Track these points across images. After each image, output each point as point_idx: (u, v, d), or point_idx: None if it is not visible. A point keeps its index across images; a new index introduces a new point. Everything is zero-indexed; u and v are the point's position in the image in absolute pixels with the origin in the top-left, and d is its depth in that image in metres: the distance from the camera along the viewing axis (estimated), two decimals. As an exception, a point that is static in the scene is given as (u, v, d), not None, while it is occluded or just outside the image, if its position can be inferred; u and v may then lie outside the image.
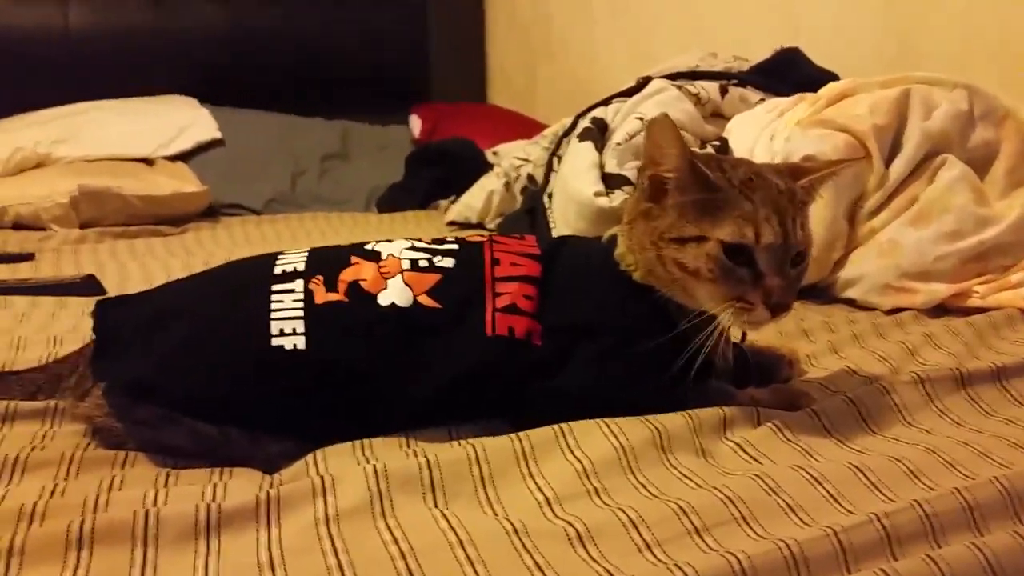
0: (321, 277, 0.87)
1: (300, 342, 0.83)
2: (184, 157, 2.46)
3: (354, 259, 0.90)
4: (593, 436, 0.81)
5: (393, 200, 2.36)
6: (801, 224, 0.85)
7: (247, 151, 2.52)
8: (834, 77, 1.63)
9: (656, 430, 0.82)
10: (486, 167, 2.23)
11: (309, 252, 0.92)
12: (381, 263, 0.89)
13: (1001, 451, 0.81)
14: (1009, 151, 1.35)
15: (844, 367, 1.03)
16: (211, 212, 2.24)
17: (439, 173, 2.37)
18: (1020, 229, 1.25)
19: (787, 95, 1.58)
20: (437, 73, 3.26)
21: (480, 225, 2.02)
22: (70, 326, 1.20)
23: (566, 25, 2.90)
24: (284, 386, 0.83)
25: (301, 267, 0.89)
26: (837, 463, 0.78)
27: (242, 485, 0.76)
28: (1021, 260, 1.25)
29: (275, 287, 0.87)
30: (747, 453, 0.82)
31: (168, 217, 2.12)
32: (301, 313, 0.85)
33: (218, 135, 2.55)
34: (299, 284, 0.87)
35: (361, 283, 0.87)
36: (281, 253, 0.92)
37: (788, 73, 1.74)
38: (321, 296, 0.86)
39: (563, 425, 0.82)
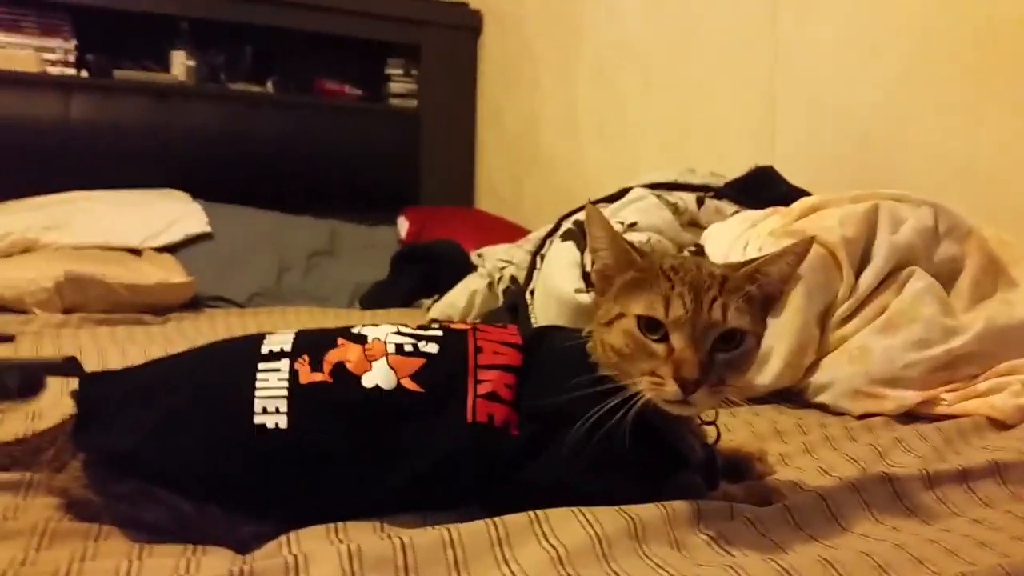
0: (307, 357, 0.89)
1: (282, 421, 0.84)
2: (173, 249, 2.49)
3: (340, 341, 0.91)
4: (568, 524, 0.81)
5: (377, 297, 2.38)
6: (726, 306, 0.83)
7: (235, 246, 2.56)
8: (806, 195, 1.70)
9: (631, 520, 0.82)
10: (470, 268, 2.27)
11: (296, 333, 0.94)
12: (367, 346, 0.91)
13: (968, 549, 0.82)
14: (973, 266, 1.41)
15: (816, 467, 1.05)
16: (194, 303, 2.26)
17: (424, 272, 2.40)
18: (985, 339, 1.29)
19: (760, 210, 1.64)
20: (427, 182, 3.36)
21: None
22: (49, 403, 1.20)
23: (553, 139, 3.00)
24: (262, 464, 0.84)
25: (288, 347, 0.90)
26: (807, 556, 0.79)
27: (215, 562, 0.76)
28: (987, 369, 1.29)
29: (261, 366, 0.88)
30: (720, 546, 0.82)
31: (152, 306, 2.13)
32: (285, 392, 0.86)
33: (208, 229, 2.60)
34: (285, 364, 0.88)
35: (346, 364, 0.88)
36: (268, 333, 0.94)
37: (762, 189, 1.81)
38: (306, 376, 0.87)
39: (539, 512, 0.82)
